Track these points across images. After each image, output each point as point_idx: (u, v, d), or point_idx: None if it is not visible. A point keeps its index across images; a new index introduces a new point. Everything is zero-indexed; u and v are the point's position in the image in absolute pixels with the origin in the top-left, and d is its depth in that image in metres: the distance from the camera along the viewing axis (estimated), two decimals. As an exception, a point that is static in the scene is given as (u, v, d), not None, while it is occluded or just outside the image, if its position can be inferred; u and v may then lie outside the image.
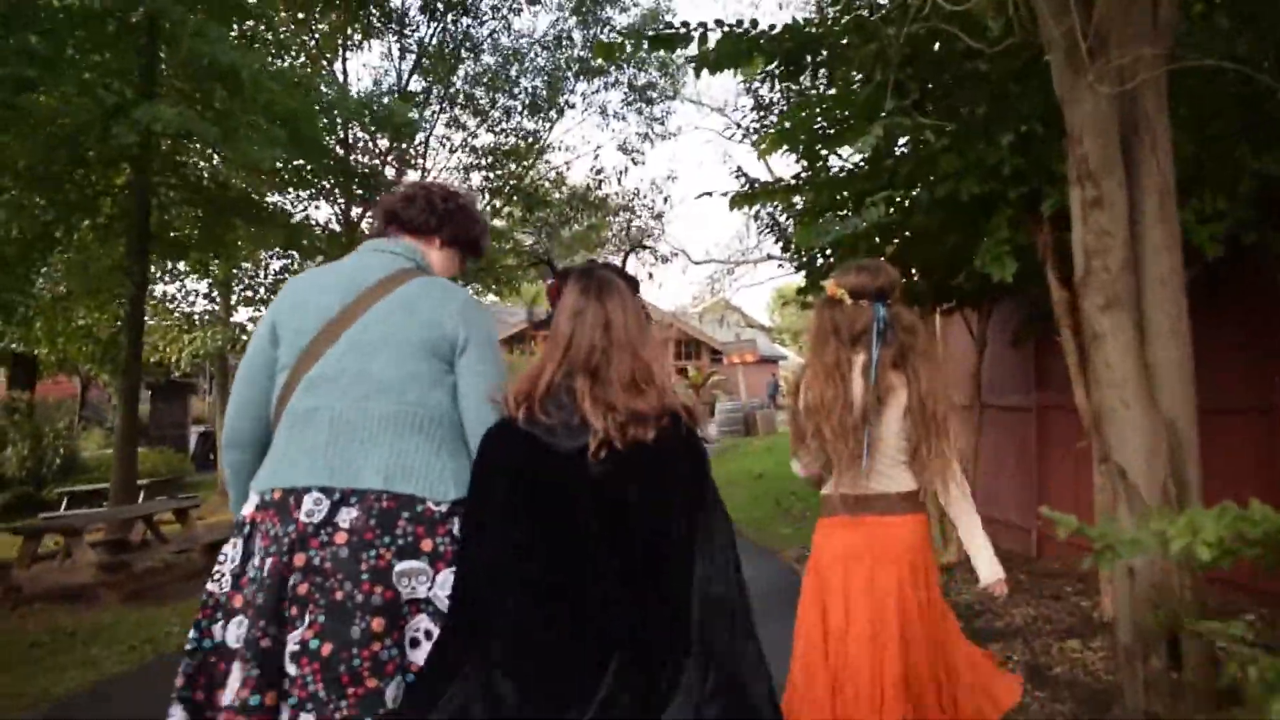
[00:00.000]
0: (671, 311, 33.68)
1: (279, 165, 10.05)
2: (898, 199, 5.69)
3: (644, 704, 1.87)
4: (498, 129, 15.88)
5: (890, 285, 2.97)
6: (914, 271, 6.95)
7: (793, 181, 6.53)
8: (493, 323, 2.43)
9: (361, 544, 2.06)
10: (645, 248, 15.56)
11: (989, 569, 2.97)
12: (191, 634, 2.20)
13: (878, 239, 6.09)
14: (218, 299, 16.92)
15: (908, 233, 6.09)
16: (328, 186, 12.91)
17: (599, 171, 15.82)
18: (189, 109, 8.69)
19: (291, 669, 2.02)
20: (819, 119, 5.64)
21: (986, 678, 2.90)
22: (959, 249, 5.56)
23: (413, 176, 16.29)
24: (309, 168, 11.49)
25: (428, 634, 2.09)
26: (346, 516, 2.09)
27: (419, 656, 2.07)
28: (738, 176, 8.13)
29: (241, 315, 17.16)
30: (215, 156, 11.46)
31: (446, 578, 2.10)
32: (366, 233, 14.82)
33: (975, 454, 7.48)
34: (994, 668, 3.00)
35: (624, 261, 2.93)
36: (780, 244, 8.54)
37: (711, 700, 1.86)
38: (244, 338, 15.98)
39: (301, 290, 2.38)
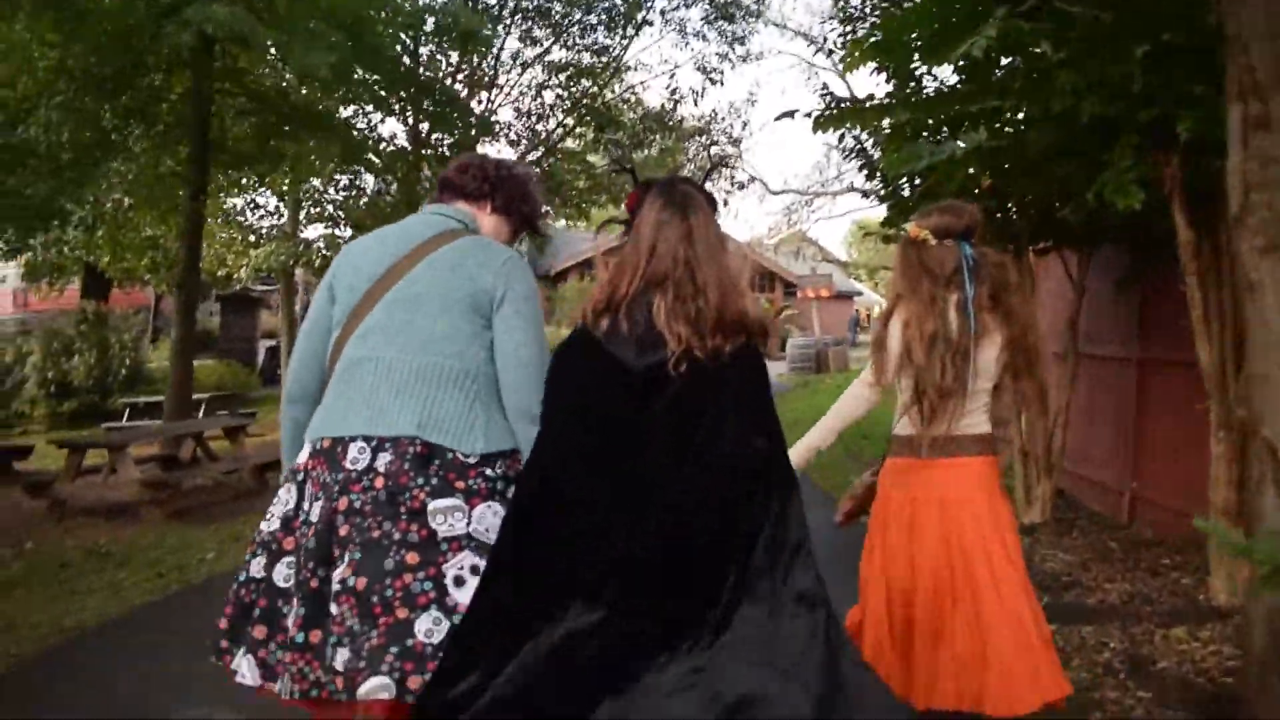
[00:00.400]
0: (746, 242, 32.86)
1: (339, 74, 9.57)
2: (1001, 121, 5.04)
3: (723, 611, 1.92)
4: (572, 45, 15.24)
5: (974, 225, 2.94)
6: (1010, 206, 6.28)
7: (883, 101, 5.88)
8: (533, 281, 2.47)
9: (397, 487, 2.15)
10: (725, 166, 14.84)
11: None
12: (241, 571, 2.31)
13: (975, 167, 5.44)
14: (285, 214, 16.76)
15: (1009, 164, 5.44)
16: (394, 101, 12.42)
17: (674, 91, 15.09)
18: (244, 10, 8.25)
19: (333, 608, 2.10)
20: (913, 30, 4.99)
21: (1041, 654, 2.66)
22: (1071, 179, 4.91)
23: (483, 95, 15.80)
24: (373, 78, 11.01)
25: (474, 569, 2.13)
26: (383, 461, 2.18)
27: (464, 595, 2.10)
28: (823, 96, 7.42)
29: (311, 232, 17.01)
30: (277, 64, 11.09)
31: (483, 513, 2.19)
32: (434, 151, 14.47)
33: (1066, 406, 6.86)
34: (1053, 652, 2.74)
35: (703, 181, 2.72)
36: (865, 172, 7.84)
37: (789, 607, 1.92)
38: (311, 254, 15.85)
39: (356, 251, 2.51)
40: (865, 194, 32.25)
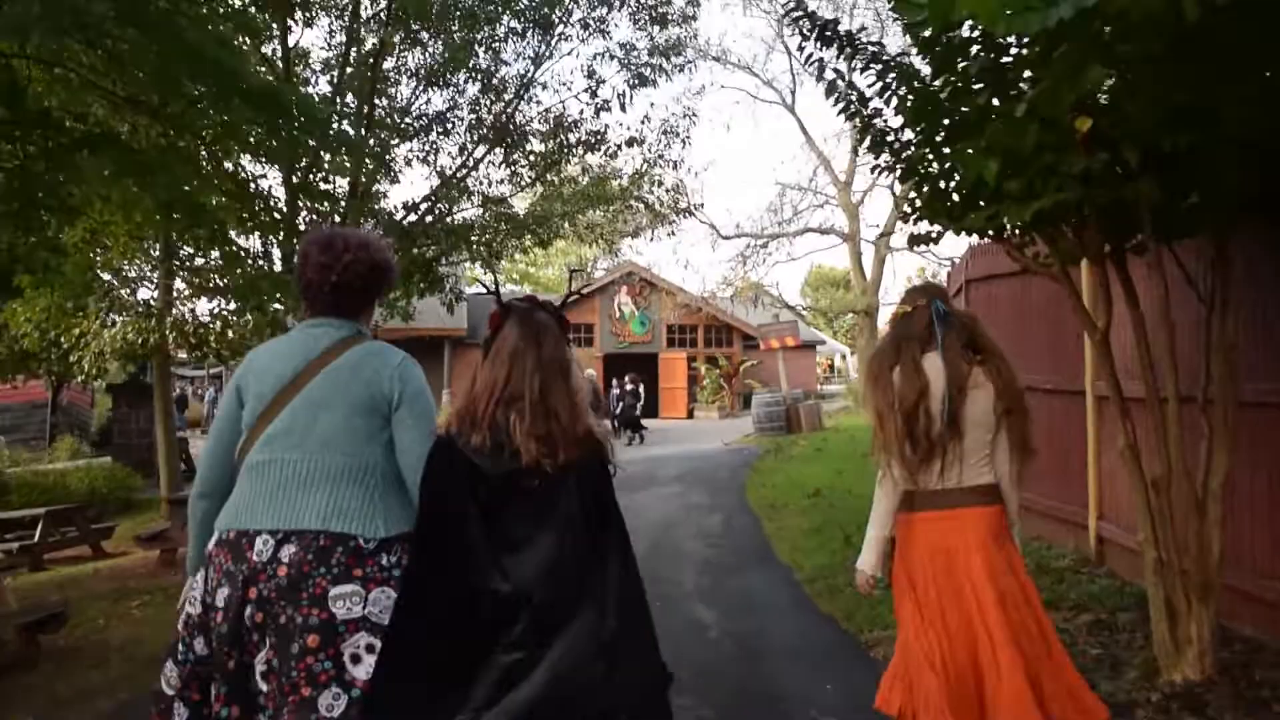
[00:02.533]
0: (700, 295, 30.41)
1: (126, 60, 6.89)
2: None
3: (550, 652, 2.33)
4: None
5: (943, 292, 3.32)
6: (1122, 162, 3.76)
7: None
8: (423, 380, 2.76)
9: (300, 575, 2.42)
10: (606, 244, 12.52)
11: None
12: (179, 648, 2.56)
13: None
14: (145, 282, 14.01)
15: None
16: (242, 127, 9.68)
17: (595, 94, 12.50)
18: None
19: (263, 685, 2.40)
20: None
21: (1075, 690, 3.01)
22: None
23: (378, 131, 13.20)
24: (200, 89, 8.25)
25: (369, 648, 2.41)
26: (287, 553, 2.45)
27: (360, 672, 2.38)
28: (797, 18, 4.75)
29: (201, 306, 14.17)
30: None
31: (377, 597, 2.45)
32: (312, 201, 11.15)
33: (1223, 485, 4.28)
34: (1085, 688, 3.08)
35: (566, 293, 2.83)
36: (890, 142, 5.18)
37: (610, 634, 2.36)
38: (189, 331, 13.08)
39: (262, 359, 2.77)
40: (823, 232, 30.23)
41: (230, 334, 12.88)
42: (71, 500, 14.01)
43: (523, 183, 12.89)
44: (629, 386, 25.57)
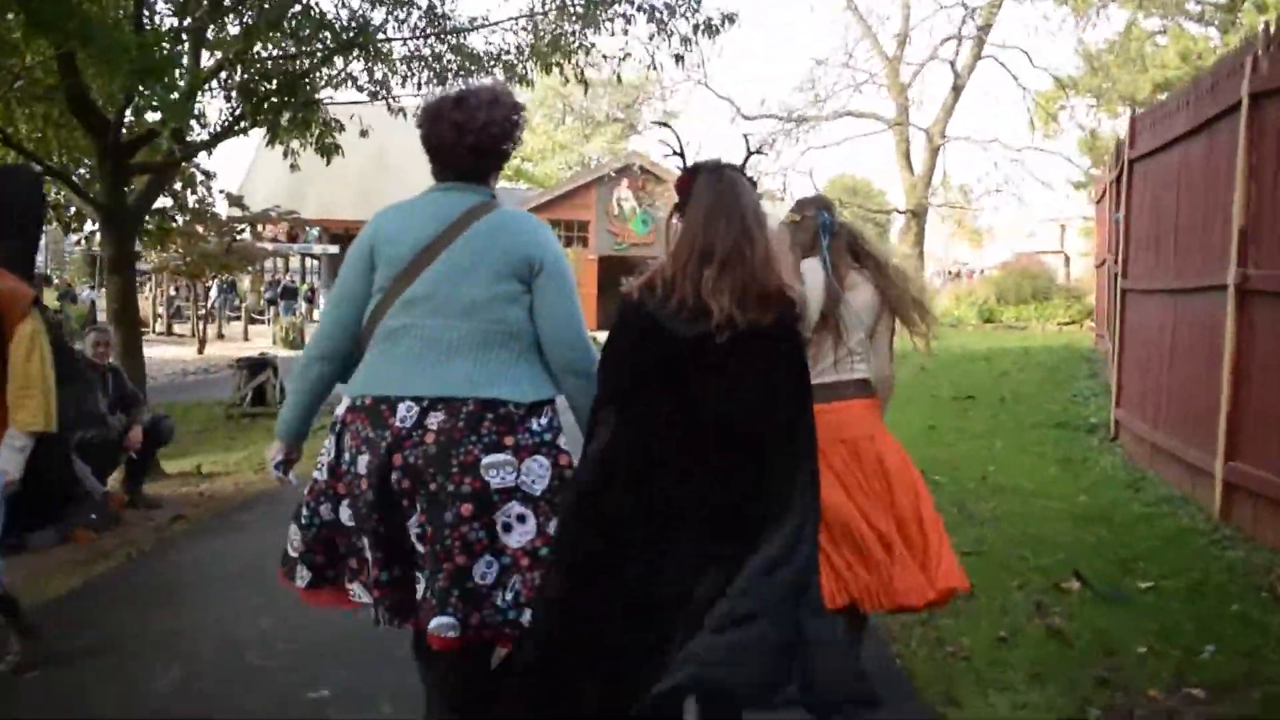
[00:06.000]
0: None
1: None
2: None
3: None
4: None
5: (831, 205, 3.59)
6: None
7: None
8: (560, 246, 2.74)
9: (450, 442, 2.41)
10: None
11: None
12: (304, 512, 2.60)
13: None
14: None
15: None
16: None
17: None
18: None
19: (420, 547, 2.46)
20: None
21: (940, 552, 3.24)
22: None
23: None
24: None
25: (520, 518, 2.44)
26: (434, 420, 2.43)
27: (512, 540, 2.43)
28: None
29: None
30: None
31: (530, 466, 2.46)
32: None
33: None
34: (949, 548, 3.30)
35: (744, 163, 2.62)
36: None
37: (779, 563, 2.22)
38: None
39: (396, 220, 2.69)
40: (864, 117, 25.35)
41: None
42: None
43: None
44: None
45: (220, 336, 26.39)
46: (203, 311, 24.62)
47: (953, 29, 24.21)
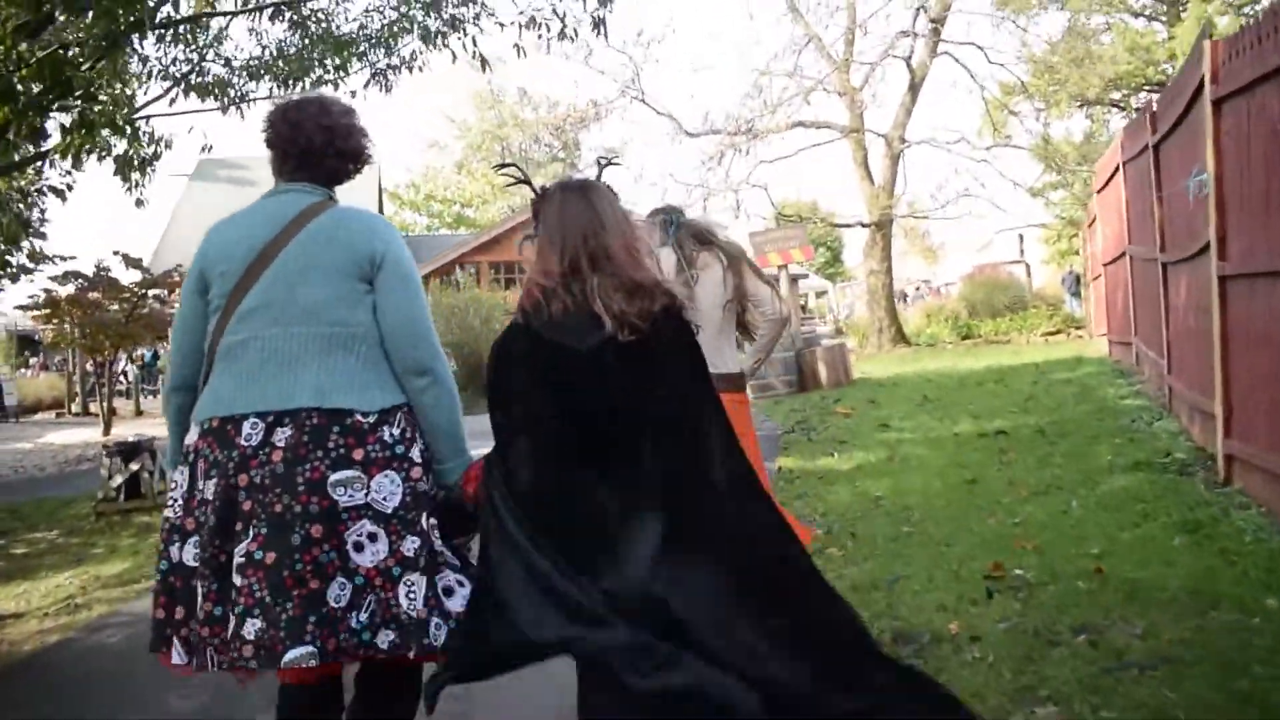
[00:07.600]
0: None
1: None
2: None
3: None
4: None
5: (680, 211, 4.11)
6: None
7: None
8: (401, 239, 2.59)
9: (296, 459, 2.27)
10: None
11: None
12: (161, 563, 2.43)
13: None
14: None
15: None
16: None
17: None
18: None
19: (237, 579, 2.23)
20: None
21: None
22: None
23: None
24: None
25: (370, 536, 2.30)
26: (281, 436, 2.29)
27: (364, 559, 2.28)
28: None
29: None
30: None
31: (380, 482, 2.32)
32: None
33: None
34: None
35: (598, 176, 2.64)
36: None
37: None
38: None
39: (228, 231, 2.53)
40: (817, 126, 23.33)
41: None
42: None
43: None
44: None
45: (139, 414, 23.66)
46: (120, 387, 21.89)
47: (906, 24, 22.38)
